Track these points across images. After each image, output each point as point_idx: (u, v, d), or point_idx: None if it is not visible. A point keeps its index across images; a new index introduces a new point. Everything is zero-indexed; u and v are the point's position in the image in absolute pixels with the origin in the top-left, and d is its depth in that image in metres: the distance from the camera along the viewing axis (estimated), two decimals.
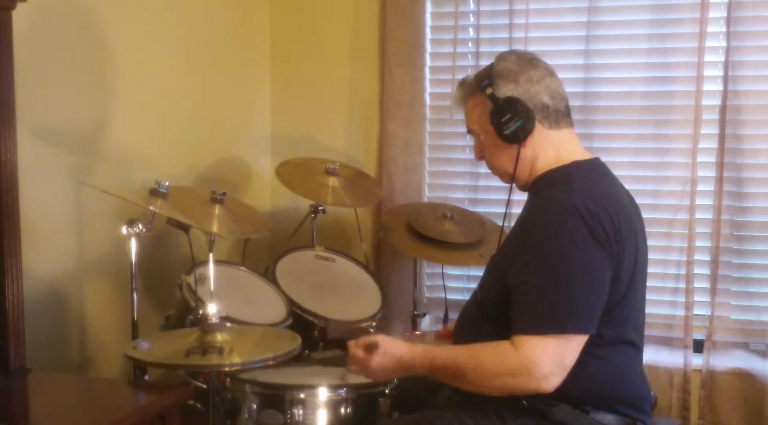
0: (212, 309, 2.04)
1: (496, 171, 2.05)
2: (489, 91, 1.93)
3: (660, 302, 2.99)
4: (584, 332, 1.79)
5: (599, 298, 1.80)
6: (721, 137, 2.90)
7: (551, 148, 1.95)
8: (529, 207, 1.98)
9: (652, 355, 2.92)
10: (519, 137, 1.92)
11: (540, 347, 1.76)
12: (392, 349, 1.92)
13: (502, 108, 1.92)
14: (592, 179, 1.92)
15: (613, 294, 1.82)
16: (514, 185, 2.05)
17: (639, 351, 1.97)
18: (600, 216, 1.79)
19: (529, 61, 1.96)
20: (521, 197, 2.06)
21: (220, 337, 1.99)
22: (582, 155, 1.98)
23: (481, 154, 2.05)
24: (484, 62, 3.16)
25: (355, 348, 1.96)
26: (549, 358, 1.75)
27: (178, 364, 1.86)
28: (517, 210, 2.05)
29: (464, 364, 1.83)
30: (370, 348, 1.92)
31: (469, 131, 2.05)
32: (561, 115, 1.97)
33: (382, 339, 1.94)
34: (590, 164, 1.97)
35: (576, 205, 1.79)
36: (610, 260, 1.80)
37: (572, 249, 1.78)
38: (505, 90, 1.93)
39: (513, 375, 1.78)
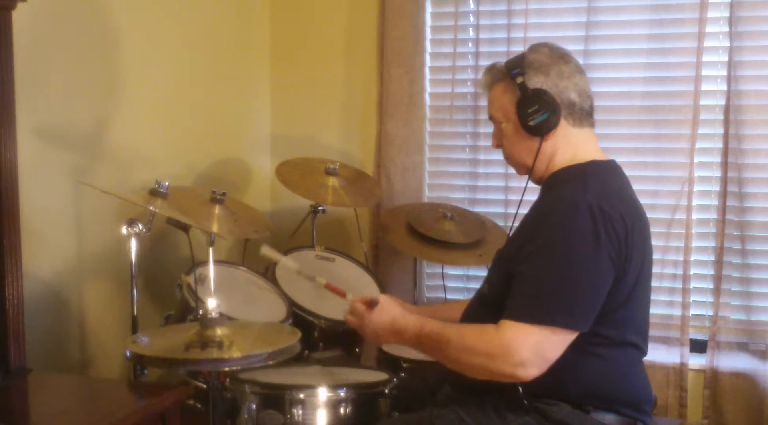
0: (211, 303, 2.04)
1: (513, 161, 2.03)
2: (519, 80, 1.92)
3: (658, 302, 2.99)
4: (573, 328, 1.78)
5: (596, 299, 1.80)
6: (725, 137, 2.90)
7: (570, 145, 1.95)
8: (541, 202, 1.98)
9: (648, 354, 2.91)
10: (542, 130, 1.91)
11: (522, 333, 1.76)
12: (390, 308, 1.97)
13: (530, 99, 1.91)
14: (608, 179, 1.92)
15: (617, 295, 1.82)
16: (515, 184, 2.05)
17: (641, 352, 1.97)
18: (612, 216, 1.79)
19: (561, 56, 1.96)
20: (528, 198, 2.06)
21: (219, 332, 1.99)
22: (599, 155, 1.98)
23: (499, 141, 2.03)
24: (484, 62, 3.19)
25: (356, 301, 2.02)
26: (528, 346, 1.75)
27: (178, 358, 1.86)
28: (522, 210, 2.05)
29: (448, 336, 1.85)
30: (371, 303, 1.97)
31: (491, 117, 2.03)
32: (585, 115, 1.97)
33: (383, 298, 2.00)
34: (607, 165, 1.97)
35: (589, 203, 1.79)
36: (614, 263, 1.79)
37: (578, 246, 1.78)
38: (535, 81, 1.92)
39: (490, 356, 1.78)
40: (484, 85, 2.04)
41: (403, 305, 2.25)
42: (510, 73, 1.94)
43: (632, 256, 1.82)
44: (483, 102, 2.05)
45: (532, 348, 1.75)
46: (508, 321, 1.78)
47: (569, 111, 1.93)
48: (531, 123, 1.91)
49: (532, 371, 1.76)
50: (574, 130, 1.95)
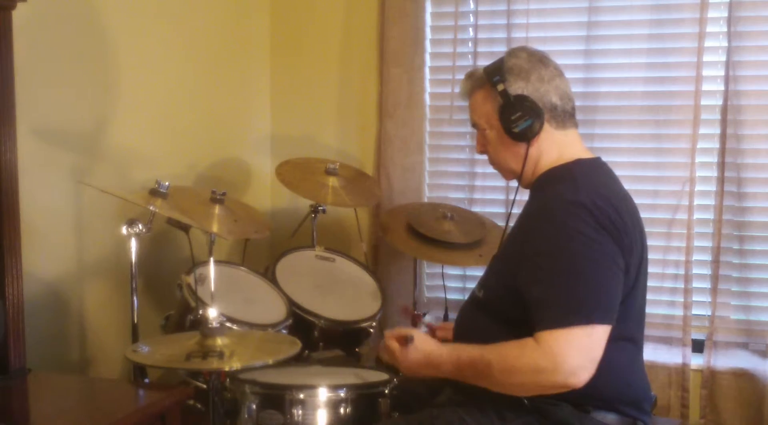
0: (212, 313, 2.04)
1: (500, 167, 2.03)
2: (501, 87, 1.91)
3: (659, 302, 3.00)
4: (609, 322, 1.76)
5: (617, 286, 1.79)
6: (723, 137, 2.90)
7: (555, 147, 1.95)
8: (531, 205, 1.97)
9: (650, 354, 2.92)
10: (527, 136, 1.91)
11: (566, 340, 1.73)
12: (423, 345, 1.92)
13: (512, 105, 1.90)
14: (596, 176, 1.92)
15: None
16: (515, 185, 2.05)
17: (639, 348, 1.97)
18: (607, 210, 1.79)
19: (539, 60, 1.95)
20: (522, 197, 2.06)
21: (220, 341, 1.99)
22: (585, 154, 1.98)
23: (483, 148, 2.03)
24: (484, 62, 3.16)
25: (390, 338, 1.97)
26: (576, 351, 1.72)
27: (179, 368, 1.86)
28: (515, 210, 2.05)
29: (489, 360, 1.81)
30: (405, 340, 1.93)
31: (473, 125, 2.03)
32: (567, 116, 1.96)
33: (416, 334, 1.95)
34: (593, 162, 1.98)
35: (582, 200, 1.79)
36: (621, 250, 1.79)
37: (584, 240, 1.77)
38: (516, 87, 1.91)
39: (538, 371, 1.74)
40: (464, 92, 2.03)
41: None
42: (490, 80, 1.94)
43: (632, 246, 1.83)
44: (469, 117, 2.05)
45: (579, 351, 1.73)
46: (546, 332, 1.74)
47: (552, 114, 1.93)
48: (515, 129, 1.91)
49: (584, 375, 1.73)
50: (558, 132, 1.95)
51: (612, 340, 1.84)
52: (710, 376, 2.93)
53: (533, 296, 1.80)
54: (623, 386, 1.89)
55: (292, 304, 2.64)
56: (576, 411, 1.83)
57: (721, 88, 2.91)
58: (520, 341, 1.78)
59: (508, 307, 1.85)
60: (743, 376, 2.90)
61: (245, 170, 3.41)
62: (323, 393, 2.14)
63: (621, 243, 1.79)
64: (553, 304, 1.77)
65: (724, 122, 2.90)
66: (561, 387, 1.75)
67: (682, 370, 2.95)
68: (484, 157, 3.21)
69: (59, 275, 2.48)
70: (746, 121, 2.89)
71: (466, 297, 2.46)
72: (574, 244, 1.77)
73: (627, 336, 1.89)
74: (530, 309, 1.79)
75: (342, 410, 2.15)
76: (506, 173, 2.03)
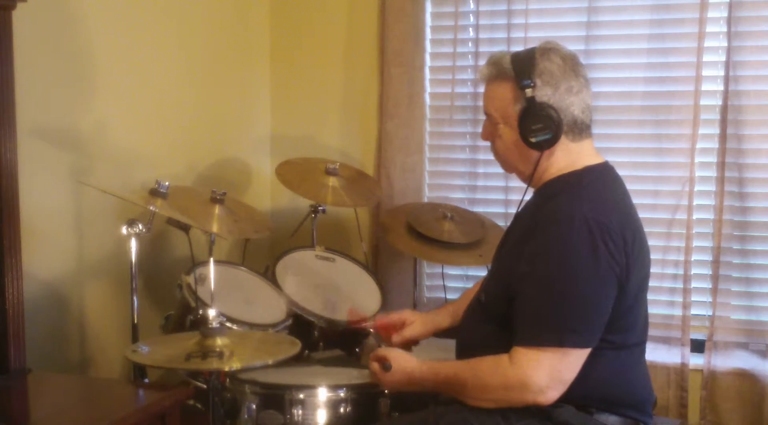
0: (212, 313, 2.04)
1: (504, 163, 2.01)
2: (529, 92, 1.86)
3: (658, 302, 3.00)
4: (583, 347, 1.78)
5: (601, 313, 1.79)
6: (722, 137, 2.90)
7: (567, 156, 1.92)
8: (537, 211, 1.93)
9: (649, 354, 2.88)
10: (542, 147, 1.88)
11: (536, 360, 1.76)
12: (402, 367, 1.96)
13: (535, 114, 1.86)
14: (604, 188, 1.90)
15: (621, 303, 1.81)
16: (515, 185, 2.05)
17: (643, 349, 1.97)
18: (610, 227, 1.77)
19: (572, 68, 1.90)
20: (528, 197, 2.05)
21: (220, 341, 1.99)
22: (594, 159, 1.95)
23: (490, 137, 1.99)
24: (484, 62, 3.18)
25: (372, 361, 2.03)
26: (545, 372, 1.76)
27: (179, 369, 1.87)
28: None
29: (464, 379, 1.85)
30: (383, 366, 1.99)
31: (486, 114, 1.98)
32: (585, 128, 1.93)
33: (393, 357, 1.99)
34: (602, 170, 1.94)
35: (585, 216, 1.77)
36: (615, 274, 1.78)
37: (577, 262, 1.76)
38: (542, 94, 1.86)
39: (509, 389, 1.79)
40: (487, 76, 1.96)
41: (435, 313, 2.28)
42: (519, 82, 1.87)
43: (633, 265, 1.81)
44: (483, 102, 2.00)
45: (547, 373, 1.76)
46: (520, 349, 1.78)
47: (570, 127, 1.90)
48: (532, 139, 1.87)
49: (552, 395, 1.77)
50: (572, 144, 1.92)
51: (618, 348, 1.85)
52: (710, 377, 2.93)
53: (517, 305, 1.82)
54: (628, 390, 1.90)
55: (291, 304, 2.63)
56: (579, 413, 1.83)
57: (721, 88, 2.91)
58: (496, 358, 1.82)
59: (507, 310, 1.85)
60: (743, 376, 2.90)
61: (245, 170, 3.41)
62: (323, 393, 2.14)
63: (617, 264, 1.78)
64: (530, 320, 1.79)
65: (723, 122, 2.90)
66: (530, 404, 1.79)
67: (681, 370, 2.95)
68: (485, 157, 3.25)
69: (59, 275, 2.47)
70: (747, 121, 2.89)
71: None
72: (565, 264, 1.77)
73: (634, 343, 1.90)
74: (514, 318, 1.82)
75: (342, 410, 2.15)
76: (509, 169, 2.02)
